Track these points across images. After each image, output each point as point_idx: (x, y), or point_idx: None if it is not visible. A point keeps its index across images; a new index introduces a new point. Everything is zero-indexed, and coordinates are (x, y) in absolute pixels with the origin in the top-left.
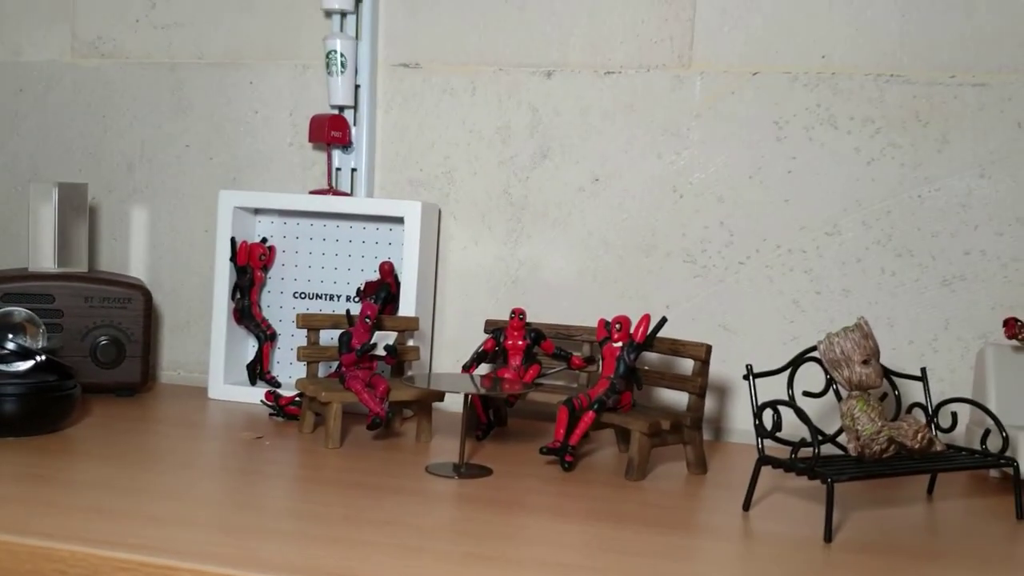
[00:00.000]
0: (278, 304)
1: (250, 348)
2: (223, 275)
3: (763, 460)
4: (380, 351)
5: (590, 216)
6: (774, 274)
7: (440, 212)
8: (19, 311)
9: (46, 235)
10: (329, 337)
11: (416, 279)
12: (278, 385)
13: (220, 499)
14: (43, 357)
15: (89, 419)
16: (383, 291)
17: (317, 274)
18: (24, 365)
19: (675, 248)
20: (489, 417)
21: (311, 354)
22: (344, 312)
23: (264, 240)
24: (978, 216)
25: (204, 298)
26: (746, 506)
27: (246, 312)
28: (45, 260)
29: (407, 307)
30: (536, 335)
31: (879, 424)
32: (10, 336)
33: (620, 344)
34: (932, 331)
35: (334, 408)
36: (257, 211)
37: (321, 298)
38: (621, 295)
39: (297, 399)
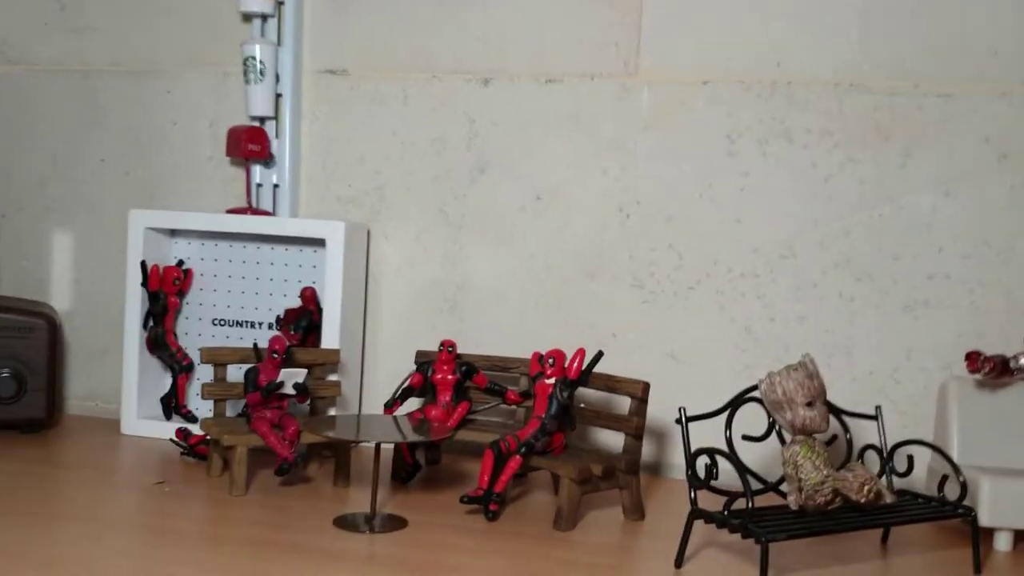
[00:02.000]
0: (196, 332)
1: (167, 379)
2: (134, 301)
3: (696, 513)
4: (289, 389)
5: (532, 236)
6: (725, 300)
7: (369, 232)
8: None
9: None
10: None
11: (340, 306)
12: (194, 420)
13: (114, 564)
14: None
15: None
16: (304, 319)
17: (237, 300)
18: None
19: (622, 271)
20: (415, 459)
21: (216, 391)
22: (252, 345)
23: (180, 263)
24: (943, 237)
25: (113, 327)
26: (678, 563)
27: (159, 341)
28: None
29: (330, 337)
30: (467, 369)
31: (823, 473)
32: None
33: (553, 380)
34: (893, 361)
35: (238, 453)
36: (174, 232)
37: (241, 326)
38: (565, 321)
39: (208, 438)
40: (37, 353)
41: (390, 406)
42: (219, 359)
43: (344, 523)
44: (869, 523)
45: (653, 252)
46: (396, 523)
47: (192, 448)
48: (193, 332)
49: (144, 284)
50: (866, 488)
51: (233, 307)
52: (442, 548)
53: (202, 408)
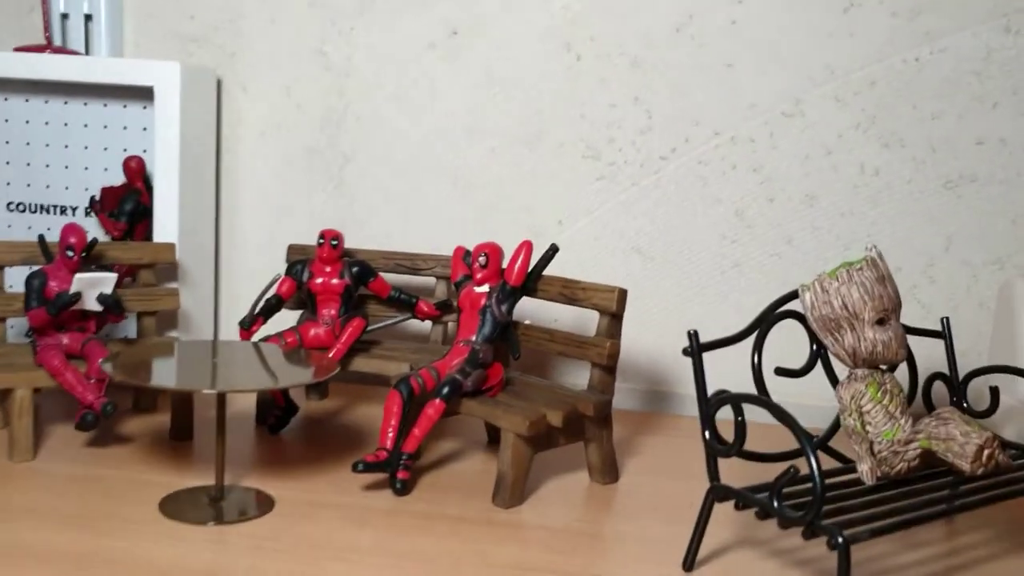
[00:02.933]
0: None
1: None
2: None
3: (719, 492)
4: (92, 304)
5: (445, 88)
6: (710, 174)
7: (220, 81)
8: None
9: None
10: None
11: (177, 182)
12: None
13: None
14: None
15: None
16: (129, 202)
17: (40, 176)
18: None
19: (570, 137)
20: (288, 399)
21: None
22: (116, 235)
23: None
24: (998, 89)
25: None
26: (688, 564)
27: None
28: None
29: (165, 227)
30: (359, 271)
31: (904, 426)
32: None
33: (486, 288)
34: (927, 253)
35: (19, 399)
36: None
37: (48, 211)
38: (494, 207)
39: None
40: None
41: (248, 326)
42: None
43: (178, 509)
44: (989, 500)
45: (612, 109)
46: (256, 504)
47: None
48: None
49: None
50: (986, 454)
51: (36, 186)
52: (325, 546)
53: None
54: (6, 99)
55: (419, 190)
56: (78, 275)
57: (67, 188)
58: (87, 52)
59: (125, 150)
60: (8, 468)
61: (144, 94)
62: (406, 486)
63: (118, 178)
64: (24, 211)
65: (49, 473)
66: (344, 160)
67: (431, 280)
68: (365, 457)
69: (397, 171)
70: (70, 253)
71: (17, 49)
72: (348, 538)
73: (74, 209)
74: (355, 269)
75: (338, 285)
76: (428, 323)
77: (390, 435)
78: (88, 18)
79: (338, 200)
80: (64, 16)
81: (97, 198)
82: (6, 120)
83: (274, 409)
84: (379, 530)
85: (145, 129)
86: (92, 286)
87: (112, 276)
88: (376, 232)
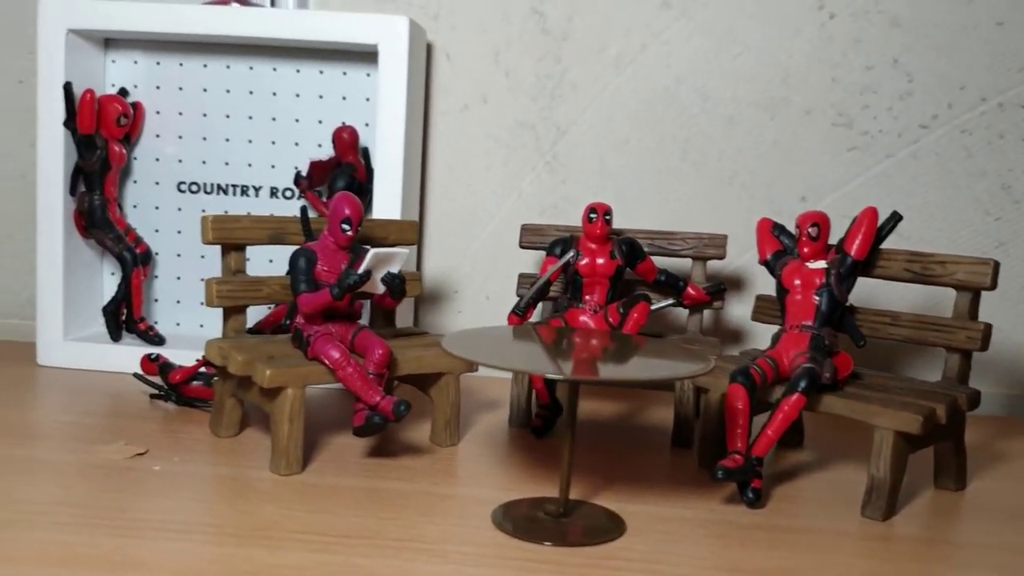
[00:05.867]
0: (150, 202)
1: (108, 278)
2: (53, 152)
3: None
4: (378, 285)
5: (677, 50)
6: (974, 144)
7: (430, 46)
8: None
9: None
10: (268, 261)
11: (403, 155)
12: (160, 341)
13: None
14: None
15: None
16: (342, 177)
17: (218, 151)
18: None
19: (818, 103)
20: (554, 397)
21: (235, 292)
22: (299, 213)
23: (124, 92)
24: None
25: (29, 196)
26: None
27: (98, 215)
28: None
29: (387, 203)
30: (630, 250)
31: None
32: None
33: (822, 264)
34: None
35: (290, 399)
36: (108, 42)
37: (227, 192)
38: (727, 181)
39: (208, 374)
40: None
41: (523, 312)
42: (236, 237)
43: (505, 521)
44: None
45: (868, 73)
46: (599, 525)
47: (176, 388)
48: (146, 203)
49: (70, 123)
50: None
51: (212, 163)
52: (690, 562)
53: (167, 322)
54: (181, 64)
55: (642, 165)
56: (374, 250)
57: (248, 166)
58: (273, 4)
59: (321, 121)
60: (271, 483)
61: (353, 54)
62: (759, 496)
63: (320, 151)
64: (197, 192)
65: (320, 489)
66: (558, 133)
67: (681, 259)
68: (723, 463)
69: (617, 145)
70: (346, 227)
71: (206, 2)
72: (695, 553)
73: (256, 189)
74: (625, 247)
75: (607, 266)
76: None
77: (741, 436)
78: None
79: (550, 177)
80: None
81: (304, 173)
82: (180, 88)
83: (540, 408)
84: (748, 548)
85: (345, 98)
86: (383, 263)
87: (404, 252)
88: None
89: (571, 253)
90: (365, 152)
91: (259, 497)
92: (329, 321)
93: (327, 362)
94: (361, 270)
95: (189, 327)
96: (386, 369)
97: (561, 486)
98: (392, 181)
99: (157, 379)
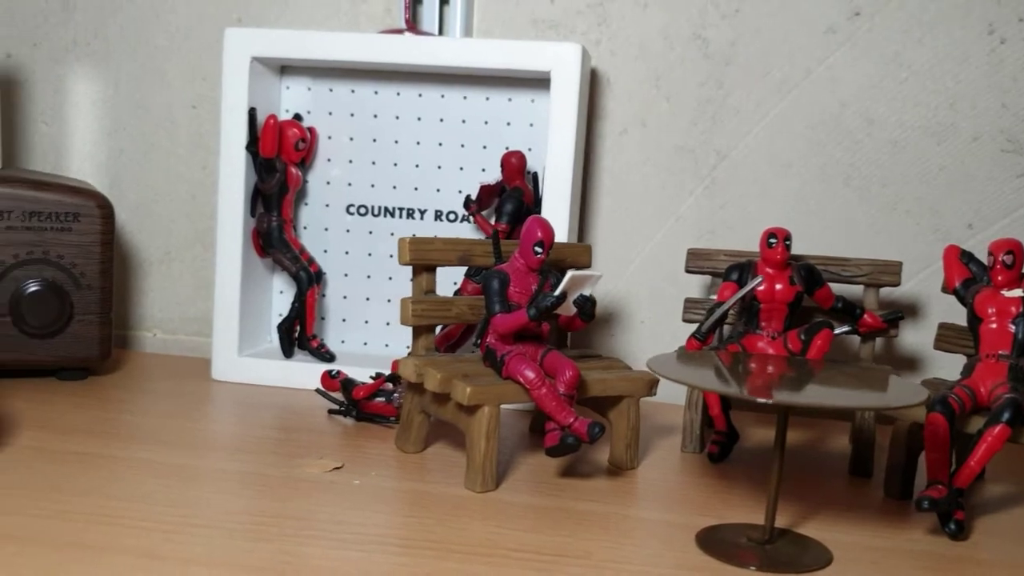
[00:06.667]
0: (319, 224)
1: (277, 297)
2: (234, 174)
3: None
4: (570, 307)
5: (842, 75)
6: None
7: (593, 71)
8: None
9: None
10: (453, 283)
11: (570, 180)
12: (331, 358)
13: None
14: None
15: (9, 447)
16: (511, 201)
17: (386, 175)
18: None
19: (987, 129)
20: (730, 422)
21: (428, 312)
22: (490, 235)
23: (298, 117)
24: None
25: (197, 216)
26: None
27: (275, 236)
28: None
29: (555, 228)
30: (809, 276)
31: None
32: None
33: (1017, 292)
34: None
35: (487, 417)
36: (284, 69)
37: (393, 214)
38: (892, 207)
39: (389, 390)
40: (86, 255)
41: (704, 337)
42: (431, 258)
43: (720, 548)
44: None
45: None
46: (806, 553)
47: (359, 404)
48: (316, 224)
49: (252, 147)
50: None
51: (380, 186)
52: None
53: (334, 340)
54: (353, 91)
55: (804, 190)
56: (571, 272)
57: (416, 189)
58: (440, 33)
59: (485, 147)
60: (464, 501)
61: (519, 81)
62: (962, 528)
63: (485, 175)
64: (365, 214)
65: (524, 505)
66: (718, 158)
67: (862, 289)
68: (928, 493)
69: (779, 169)
70: (538, 250)
71: (383, 32)
72: None
73: (421, 212)
74: (803, 272)
75: (786, 292)
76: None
77: (943, 465)
78: (444, 2)
79: (708, 201)
80: (417, 0)
81: (473, 197)
82: (351, 115)
83: (715, 435)
84: None
85: (509, 123)
86: (577, 285)
87: (599, 275)
88: (749, 237)
89: (758, 280)
90: (534, 177)
91: (466, 514)
92: (520, 341)
93: (523, 382)
94: (557, 292)
95: (353, 345)
96: (576, 390)
97: (767, 513)
98: (560, 206)
99: (337, 395)
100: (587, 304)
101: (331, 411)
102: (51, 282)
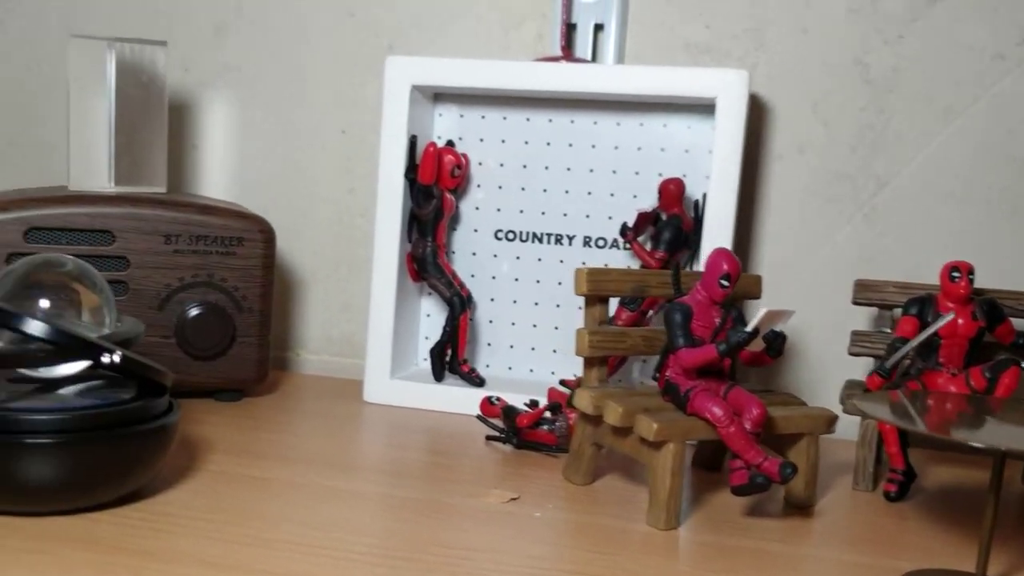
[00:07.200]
0: (467, 249)
1: (426, 320)
2: (393, 200)
3: None
4: (760, 342)
5: (1008, 102)
6: None
7: (749, 98)
8: (62, 261)
9: (97, 131)
10: (577, 308)
11: (734, 208)
12: (481, 383)
13: None
14: (116, 355)
15: (189, 473)
16: (669, 228)
17: (536, 201)
18: (72, 369)
19: None
20: (908, 461)
21: (603, 343)
22: (672, 267)
23: (451, 144)
24: None
25: (347, 240)
26: None
27: (430, 261)
28: (96, 174)
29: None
30: (991, 311)
31: None
32: (44, 307)
33: None
34: None
35: (673, 453)
36: (437, 96)
37: (541, 240)
38: None
39: (551, 419)
40: (248, 279)
41: (888, 374)
42: (603, 288)
43: None
44: None
45: None
46: None
47: (520, 432)
48: (463, 250)
49: (410, 174)
50: None
51: (529, 212)
52: None
53: (490, 363)
54: (505, 118)
55: (968, 219)
56: (766, 309)
57: (565, 215)
58: (593, 60)
59: (638, 173)
60: (664, 538)
61: (677, 106)
62: None
63: (639, 202)
64: (513, 240)
65: (715, 545)
66: (878, 185)
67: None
68: None
69: (942, 198)
70: (725, 283)
71: (540, 60)
72: None
73: (571, 238)
74: (986, 307)
75: (968, 327)
76: None
77: None
78: (598, 28)
79: (867, 229)
80: (571, 27)
81: (630, 225)
82: (503, 141)
83: (893, 473)
84: None
85: (662, 150)
86: (770, 321)
87: (792, 311)
88: (909, 267)
89: (949, 316)
90: (695, 204)
91: (656, 551)
92: (702, 376)
93: (710, 419)
94: (750, 327)
95: (497, 369)
96: (762, 428)
97: (978, 559)
98: (723, 234)
99: (496, 421)
100: (777, 340)
101: (489, 437)
102: (215, 305)
